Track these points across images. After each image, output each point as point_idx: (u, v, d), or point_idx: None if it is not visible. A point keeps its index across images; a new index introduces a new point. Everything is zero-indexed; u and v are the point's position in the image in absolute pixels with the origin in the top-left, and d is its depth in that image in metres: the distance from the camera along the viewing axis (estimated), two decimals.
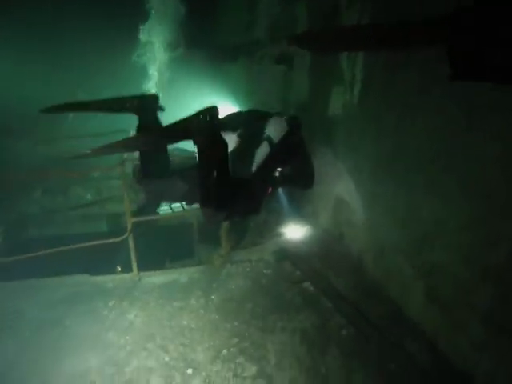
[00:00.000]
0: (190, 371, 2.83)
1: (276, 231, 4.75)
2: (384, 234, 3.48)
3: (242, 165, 1.94)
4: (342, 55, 3.89)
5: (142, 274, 4.07)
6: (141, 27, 8.10)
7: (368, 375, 2.78)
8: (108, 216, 5.85)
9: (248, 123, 2.14)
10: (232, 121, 2.20)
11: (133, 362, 2.92)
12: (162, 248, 4.90)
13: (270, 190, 2.15)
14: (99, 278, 4.00)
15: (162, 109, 1.95)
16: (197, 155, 1.66)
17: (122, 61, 8.23)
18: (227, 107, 7.12)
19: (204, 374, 2.81)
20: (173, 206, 5.91)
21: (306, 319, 3.39)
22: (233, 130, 2.10)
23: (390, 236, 3.39)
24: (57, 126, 8.89)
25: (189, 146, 1.76)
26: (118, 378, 2.79)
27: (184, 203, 3.97)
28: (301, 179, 2.34)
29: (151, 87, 8.28)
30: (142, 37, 8.17)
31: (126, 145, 1.62)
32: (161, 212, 6.03)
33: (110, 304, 3.60)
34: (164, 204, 5.88)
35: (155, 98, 1.90)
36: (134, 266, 4.03)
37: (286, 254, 4.37)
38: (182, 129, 1.58)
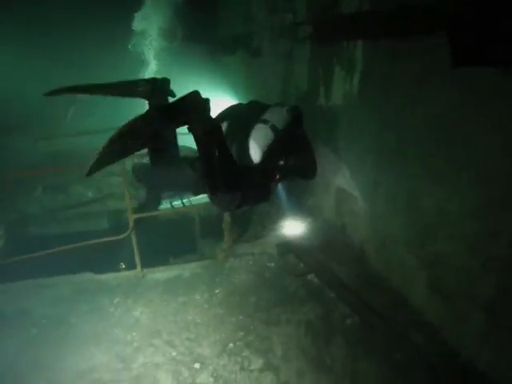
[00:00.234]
0: (197, 366, 2.85)
1: (278, 224, 4.75)
2: (386, 225, 3.48)
3: (249, 153, 1.95)
4: (342, 45, 3.85)
5: (145, 270, 4.07)
6: (135, 15, 8.03)
7: (373, 364, 2.81)
8: (109, 213, 5.84)
9: (250, 113, 2.14)
10: (233, 112, 2.20)
11: (140, 358, 2.94)
12: (165, 244, 4.90)
13: (277, 176, 2.14)
14: (103, 276, 4.01)
15: (172, 94, 1.89)
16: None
17: (122, 54, 8.17)
18: (226, 100, 7.07)
19: (211, 368, 2.83)
20: (174, 203, 5.89)
21: (310, 311, 3.40)
22: (235, 120, 2.10)
23: (392, 226, 3.39)
24: (56, 123, 8.87)
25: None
26: (126, 374, 2.81)
27: (192, 194, 3.91)
28: (303, 168, 2.32)
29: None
30: (136, 26, 8.10)
31: (128, 132, 1.50)
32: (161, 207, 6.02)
33: (114, 301, 3.61)
34: (164, 201, 5.86)
35: (167, 81, 1.85)
36: (138, 262, 4.03)
37: (289, 246, 4.38)
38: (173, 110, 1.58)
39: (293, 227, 4.63)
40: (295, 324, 3.26)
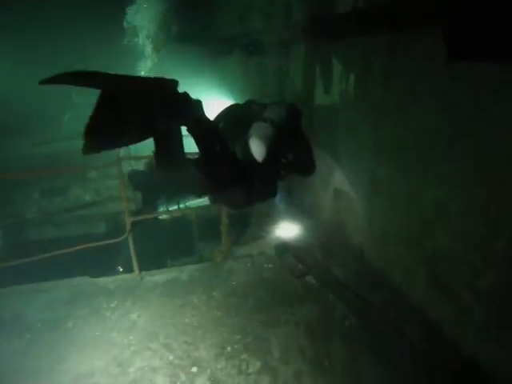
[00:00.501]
0: (194, 369, 2.83)
1: (276, 225, 4.72)
2: (385, 222, 3.46)
3: (252, 150, 1.94)
4: (339, 43, 3.83)
5: (143, 273, 4.05)
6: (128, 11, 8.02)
7: (373, 364, 2.79)
8: (107, 216, 5.82)
9: (249, 112, 2.13)
10: (232, 111, 2.19)
11: (137, 362, 2.92)
12: (163, 246, 4.88)
13: (282, 172, 2.14)
14: (100, 279, 3.99)
15: None
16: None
17: (120, 56, 8.16)
18: (223, 100, 7.05)
19: (209, 371, 2.81)
20: (170, 208, 5.87)
21: (309, 311, 3.39)
22: (234, 119, 2.09)
23: (391, 224, 3.37)
24: (54, 125, 8.87)
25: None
26: (123, 379, 2.78)
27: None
28: (303, 165, 2.31)
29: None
30: (130, 21, 8.09)
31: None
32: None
33: (112, 304, 3.59)
34: (161, 207, 5.84)
35: (176, 83, 1.81)
36: (135, 265, 4.01)
37: (287, 247, 4.36)
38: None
39: (291, 228, 4.61)
40: (294, 325, 3.24)
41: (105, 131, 1.38)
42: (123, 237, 3.99)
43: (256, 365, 2.84)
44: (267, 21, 5.64)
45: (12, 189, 6.14)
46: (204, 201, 4.85)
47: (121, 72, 1.49)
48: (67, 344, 3.11)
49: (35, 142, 7.74)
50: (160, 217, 5.83)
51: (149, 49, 8.48)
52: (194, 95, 1.69)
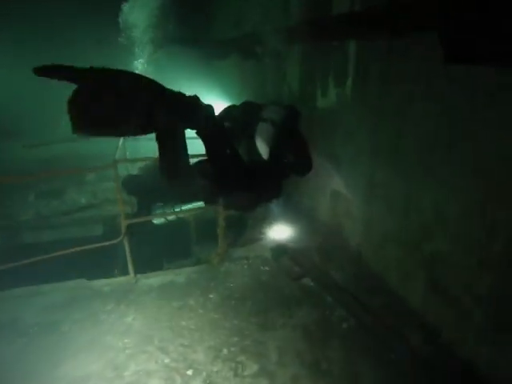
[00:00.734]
0: (190, 372, 2.80)
1: (273, 227, 4.71)
2: (383, 225, 3.45)
3: (256, 151, 1.95)
4: (336, 45, 3.84)
5: (138, 276, 4.02)
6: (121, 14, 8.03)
7: (371, 368, 2.77)
8: (104, 219, 5.79)
9: (247, 113, 2.14)
10: (230, 113, 2.19)
11: (132, 366, 2.89)
12: (159, 249, 4.86)
13: (286, 172, 2.14)
14: (96, 282, 3.95)
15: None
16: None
17: (119, 58, 8.17)
18: (219, 102, 7.06)
19: (204, 374, 2.78)
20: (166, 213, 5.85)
21: (306, 314, 3.37)
22: (233, 121, 2.09)
23: (388, 227, 3.36)
24: (50, 128, 8.83)
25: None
26: (119, 382, 2.75)
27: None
28: (301, 165, 2.31)
29: None
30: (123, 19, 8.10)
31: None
32: (154, 220, 5.96)
33: (107, 308, 3.56)
34: (156, 210, 5.80)
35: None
36: (131, 268, 3.98)
37: (284, 249, 4.34)
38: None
39: (288, 230, 4.59)
40: (291, 328, 3.22)
41: (90, 113, 1.37)
42: (118, 239, 3.96)
43: (253, 368, 2.82)
44: (264, 23, 5.66)
45: (8, 191, 6.11)
46: (200, 204, 4.83)
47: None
48: (63, 348, 3.08)
49: (30, 144, 7.71)
50: (155, 221, 5.81)
51: (145, 50, 8.49)
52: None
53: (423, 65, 2.68)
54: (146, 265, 4.21)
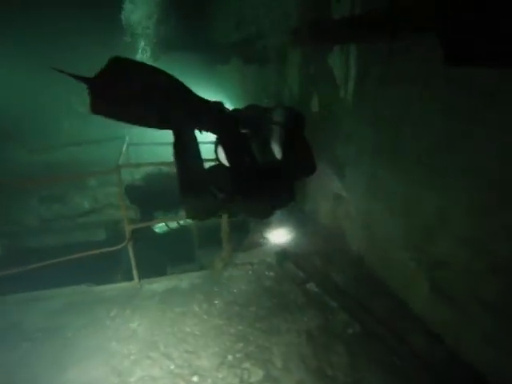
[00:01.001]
0: (195, 379, 2.79)
1: (276, 232, 4.71)
2: (385, 229, 3.45)
3: (267, 154, 1.93)
4: (336, 48, 3.86)
5: (142, 281, 4.01)
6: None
7: (376, 373, 2.76)
8: (107, 224, 5.80)
9: (255, 117, 2.12)
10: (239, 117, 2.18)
11: (137, 372, 2.88)
12: (163, 254, 4.85)
13: (297, 175, 2.13)
14: (100, 287, 3.95)
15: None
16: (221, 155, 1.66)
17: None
18: None
19: (210, 380, 2.77)
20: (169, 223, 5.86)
21: (310, 320, 3.36)
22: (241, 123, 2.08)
23: (391, 230, 3.36)
24: (54, 133, 8.88)
25: None
26: None
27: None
28: (307, 168, 2.30)
29: None
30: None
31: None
32: (156, 228, 5.97)
33: (111, 313, 3.55)
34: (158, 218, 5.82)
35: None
36: (135, 273, 3.98)
37: (288, 254, 4.33)
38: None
39: (291, 235, 4.59)
40: (295, 333, 3.21)
41: (112, 94, 1.37)
42: (123, 244, 3.96)
43: (258, 374, 2.81)
44: (264, 27, 5.68)
45: (10, 196, 6.11)
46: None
47: None
48: (67, 353, 3.07)
49: (33, 149, 7.75)
50: (157, 230, 5.82)
51: (147, 54, 8.53)
52: None
53: (423, 66, 2.70)
54: (149, 270, 4.21)
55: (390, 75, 3.11)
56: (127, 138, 6.55)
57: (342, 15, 3.57)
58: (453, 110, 2.48)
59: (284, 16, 4.90)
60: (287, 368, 2.86)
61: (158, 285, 3.99)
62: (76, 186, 6.76)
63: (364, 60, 3.47)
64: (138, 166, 5.15)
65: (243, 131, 1.76)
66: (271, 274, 4.09)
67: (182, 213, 5.11)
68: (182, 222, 5.70)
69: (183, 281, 4.05)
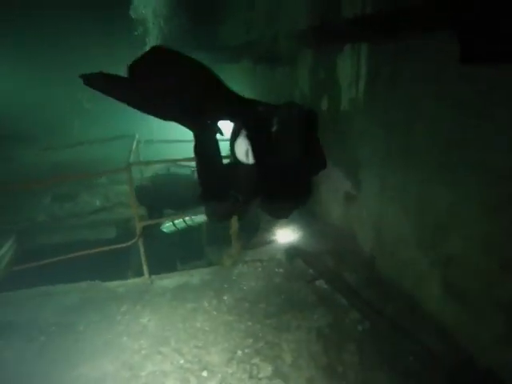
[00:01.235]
0: (205, 374, 2.80)
1: (286, 229, 4.70)
2: (396, 228, 3.42)
3: (283, 152, 1.91)
4: (346, 49, 3.84)
5: (153, 277, 4.05)
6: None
7: (387, 372, 2.73)
8: (117, 221, 5.85)
9: (265, 114, 2.11)
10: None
11: (148, 366, 2.90)
12: (172, 251, 4.88)
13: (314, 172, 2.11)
14: (111, 283, 3.99)
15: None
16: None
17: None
18: None
19: (219, 376, 2.78)
20: (176, 221, 5.87)
21: (320, 317, 3.34)
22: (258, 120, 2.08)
23: (402, 229, 3.33)
24: (64, 132, 8.99)
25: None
26: (134, 383, 2.77)
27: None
28: (317, 163, 2.28)
29: None
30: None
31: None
32: (164, 229, 6.00)
33: (122, 309, 3.59)
34: (167, 221, 5.83)
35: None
36: (145, 269, 4.01)
37: (298, 252, 4.32)
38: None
39: (301, 233, 4.58)
40: (305, 330, 3.20)
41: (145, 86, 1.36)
42: (133, 241, 4.01)
43: (267, 370, 2.81)
44: (274, 28, 5.68)
45: (24, 195, 6.22)
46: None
47: None
48: (80, 348, 3.11)
49: (44, 148, 7.86)
50: (165, 230, 5.84)
51: None
52: None
53: (435, 65, 2.67)
54: (159, 266, 4.24)
55: (400, 74, 3.09)
56: (137, 136, 6.61)
57: (354, 14, 3.55)
58: (465, 108, 2.45)
59: (294, 18, 4.89)
60: (297, 364, 2.86)
61: (169, 281, 4.01)
62: (86, 185, 6.85)
63: (375, 59, 3.45)
64: (149, 163, 5.18)
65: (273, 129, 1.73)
66: (281, 270, 4.08)
67: (191, 213, 5.15)
68: (190, 223, 5.72)
69: (194, 277, 4.07)
